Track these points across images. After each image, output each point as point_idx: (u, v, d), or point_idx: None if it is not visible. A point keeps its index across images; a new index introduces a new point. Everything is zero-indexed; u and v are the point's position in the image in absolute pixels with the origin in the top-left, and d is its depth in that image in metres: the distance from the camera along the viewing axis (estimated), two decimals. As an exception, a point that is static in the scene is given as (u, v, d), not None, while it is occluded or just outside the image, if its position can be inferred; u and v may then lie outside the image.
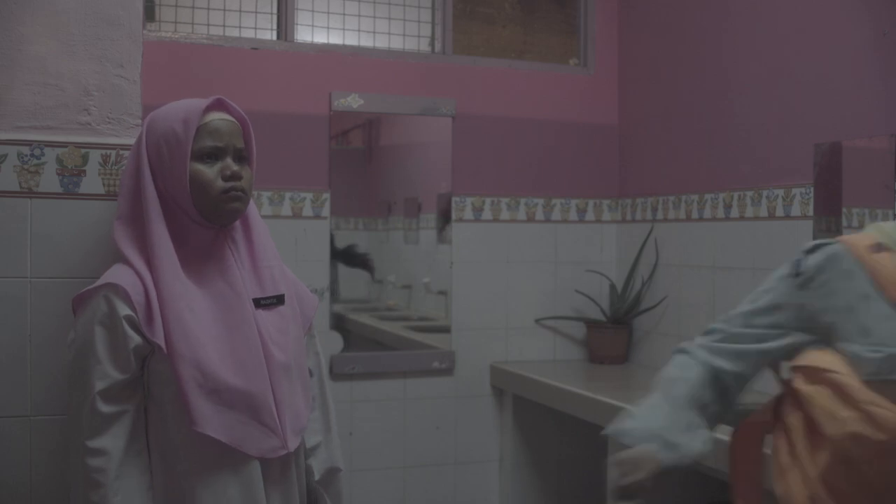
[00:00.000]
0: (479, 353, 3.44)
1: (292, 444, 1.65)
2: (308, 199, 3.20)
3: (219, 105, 1.66)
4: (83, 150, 1.85)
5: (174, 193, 1.62)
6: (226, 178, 1.62)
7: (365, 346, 3.56)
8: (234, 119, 1.67)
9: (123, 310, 1.54)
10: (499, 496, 3.46)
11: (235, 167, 1.63)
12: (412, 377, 3.36)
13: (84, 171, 1.85)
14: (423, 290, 3.72)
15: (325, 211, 3.23)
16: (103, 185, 1.85)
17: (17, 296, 1.79)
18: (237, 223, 1.70)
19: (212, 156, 1.62)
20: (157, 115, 1.67)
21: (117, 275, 1.58)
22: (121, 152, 1.87)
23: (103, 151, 1.86)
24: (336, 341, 3.27)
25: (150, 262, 1.59)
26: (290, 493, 1.68)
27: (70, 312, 1.79)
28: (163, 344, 1.54)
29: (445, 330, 3.44)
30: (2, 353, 1.78)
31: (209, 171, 1.62)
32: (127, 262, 1.61)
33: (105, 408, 1.52)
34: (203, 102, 1.63)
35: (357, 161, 3.82)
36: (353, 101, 3.27)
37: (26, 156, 1.81)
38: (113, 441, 1.52)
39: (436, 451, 3.39)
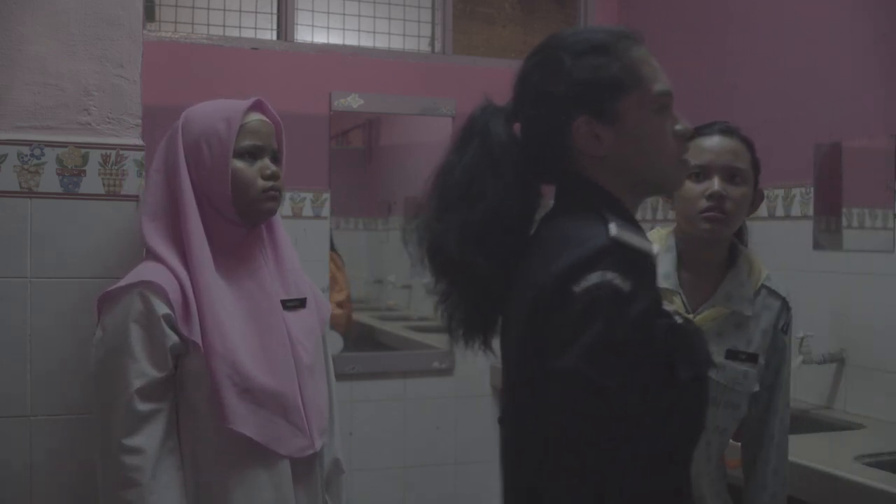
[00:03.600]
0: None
1: (318, 444, 1.66)
2: (308, 199, 3.20)
3: (258, 106, 1.68)
4: (83, 150, 1.85)
5: (211, 191, 1.62)
6: (265, 178, 1.63)
7: (365, 346, 3.56)
8: (269, 121, 1.68)
9: (161, 308, 1.53)
10: (499, 496, 3.46)
11: (274, 167, 1.65)
12: (412, 377, 3.36)
13: (84, 171, 1.84)
14: (423, 290, 3.72)
15: (325, 211, 3.22)
16: (103, 185, 1.85)
17: (17, 296, 1.79)
18: (263, 225, 1.70)
19: (252, 155, 1.63)
20: (193, 113, 1.66)
21: (151, 272, 1.56)
22: (121, 152, 1.87)
23: (103, 151, 1.86)
24: (336, 341, 3.27)
25: (184, 259, 1.58)
26: (314, 493, 1.69)
27: (70, 312, 1.80)
28: (200, 342, 1.53)
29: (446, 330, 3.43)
30: (2, 353, 1.78)
31: (250, 170, 1.62)
32: (158, 258, 1.59)
33: (142, 406, 1.50)
34: (245, 103, 1.65)
35: (357, 161, 3.83)
36: (353, 101, 3.27)
37: (26, 156, 1.81)
38: (149, 439, 1.50)
39: (436, 451, 3.38)
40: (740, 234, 1.78)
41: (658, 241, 1.76)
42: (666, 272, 1.70)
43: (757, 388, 1.68)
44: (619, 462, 1.00)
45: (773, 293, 1.72)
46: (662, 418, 1.05)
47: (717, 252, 1.71)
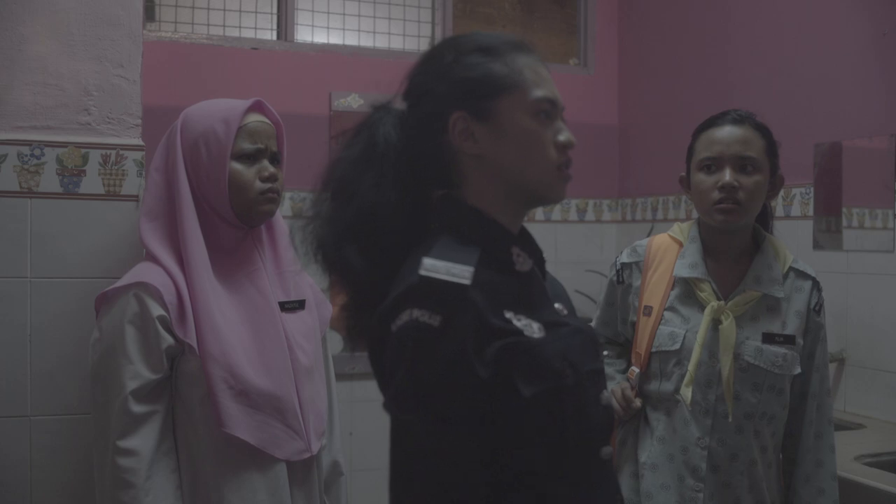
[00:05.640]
0: (479, 353, 3.42)
1: (315, 447, 1.65)
2: (308, 200, 3.20)
3: (257, 107, 1.66)
4: (83, 150, 1.85)
5: (209, 192, 1.61)
6: (263, 180, 1.62)
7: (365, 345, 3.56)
8: (269, 122, 1.67)
9: (156, 310, 1.52)
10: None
11: (273, 169, 1.64)
12: (412, 377, 3.35)
13: (84, 171, 1.84)
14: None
15: (326, 211, 3.22)
16: (103, 185, 1.85)
17: (17, 296, 1.79)
18: (263, 226, 1.69)
19: (250, 157, 1.62)
20: (192, 113, 1.65)
21: (147, 273, 1.55)
22: (121, 152, 1.87)
23: (103, 151, 1.86)
24: (336, 341, 3.27)
25: (181, 261, 1.58)
26: (312, 496, 1.68)
27: (70, 312, 1.80)
28: (195, 344, 1.52)
29: (445, 330, 3.42)
30: (2, 353, 1.78)
31: (248, 172, 1.61)
32: (155, 259, 1.58)
33: (136, 408, 1.50)
34: (244, 104, 1.63)
35: (357, 161, 3.82)
36: (353, 101, 3.27)
37: (26, 156, 1.80)
38: (143, 441, 1.50)
39: (436, 451, 3.37)
40: (765, 220, 1.78)
41: (680, 234, 1.79)
42: (693, 262, 1.72)
43: (798, 370, 1.68)
44: (452, 494, 1.02)
45: (802, 274, 1.73)
46: (514, 439, 1.05)
47: (739, 240, 1.72)
